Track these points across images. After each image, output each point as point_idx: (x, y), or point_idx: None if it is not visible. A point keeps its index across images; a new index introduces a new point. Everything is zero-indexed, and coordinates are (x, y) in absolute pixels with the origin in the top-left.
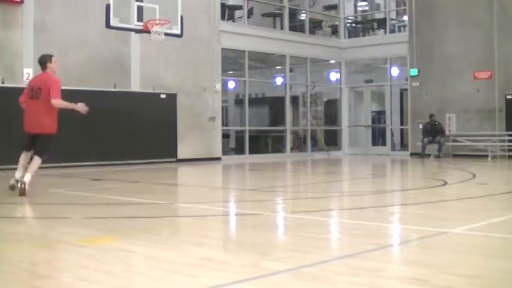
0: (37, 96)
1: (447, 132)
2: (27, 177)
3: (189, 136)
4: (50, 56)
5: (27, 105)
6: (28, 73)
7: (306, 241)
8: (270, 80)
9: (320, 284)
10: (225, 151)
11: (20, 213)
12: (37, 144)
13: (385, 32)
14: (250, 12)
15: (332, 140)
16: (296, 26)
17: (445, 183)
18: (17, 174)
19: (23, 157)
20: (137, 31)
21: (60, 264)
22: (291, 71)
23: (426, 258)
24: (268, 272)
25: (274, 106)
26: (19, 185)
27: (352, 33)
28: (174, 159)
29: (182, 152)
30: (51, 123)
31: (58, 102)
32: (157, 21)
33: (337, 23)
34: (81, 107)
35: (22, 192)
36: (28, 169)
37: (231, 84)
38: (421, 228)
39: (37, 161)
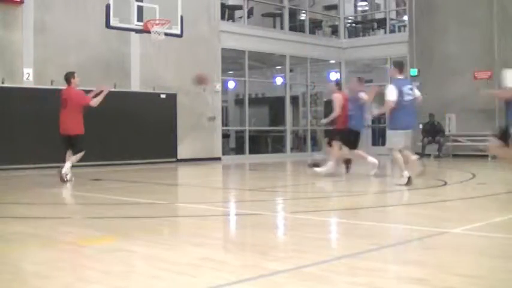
0: (64, 106)
1: (447, 132)
2: (66, 166)
3: (189, 136)
4: (73, 73)
5: (60, 113)
6: (28, 73)
7: (306, 241)
8: (270, 80)
9: (320, 284)
10: (225, 151)
11: (20, 213)
12: (71, 144)
13: (385, 32)
14: (250, 12)
15: None
16: (296, 26)
17: (445, 183)
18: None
19: (67, 155)
20: (137, 31)
21: (60, 264)
22: (291, 71)
23: (426, 258)
24: (268, 272)
25: (274, 106)
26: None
27: (352, 33)
28: (174, 159)
29: (182, 152)
30: (77, 126)
31: (94, 102)
32: (157, 21)
33: (337, 23)
34: (106, 89)
35: (62, 180)
36: (68, 159)
37: (231, 84)
38: (421, 228)
39: (78, 155)
